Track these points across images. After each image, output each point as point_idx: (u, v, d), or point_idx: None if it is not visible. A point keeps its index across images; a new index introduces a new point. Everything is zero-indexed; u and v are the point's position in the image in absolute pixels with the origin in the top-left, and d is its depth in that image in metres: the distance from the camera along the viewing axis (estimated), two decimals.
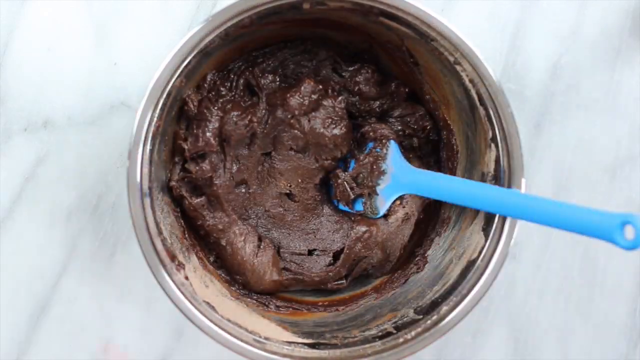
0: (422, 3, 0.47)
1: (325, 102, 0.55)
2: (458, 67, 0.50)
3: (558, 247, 0.61)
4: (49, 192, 0.58)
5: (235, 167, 0.55)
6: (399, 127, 0.57)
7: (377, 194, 0.56)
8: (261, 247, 0.56)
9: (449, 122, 0.56)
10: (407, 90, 0.57)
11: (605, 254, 0.61)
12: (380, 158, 0.56)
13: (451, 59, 0.49)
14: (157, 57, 0.57)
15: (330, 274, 0.56)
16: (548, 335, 0.61)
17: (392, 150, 0.56)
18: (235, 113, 0.54)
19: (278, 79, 0.56)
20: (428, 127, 0.57)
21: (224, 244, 0.55)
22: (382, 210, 0.56)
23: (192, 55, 0.48)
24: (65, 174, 0.58)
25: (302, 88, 0.55)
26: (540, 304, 0.61)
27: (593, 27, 0.61)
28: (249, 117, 0.54)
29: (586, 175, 0.61)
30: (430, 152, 0.58)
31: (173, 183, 0.54)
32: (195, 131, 0.53)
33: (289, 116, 0.55)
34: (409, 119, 0.57)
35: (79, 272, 0.58)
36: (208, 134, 0.53)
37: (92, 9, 0.58)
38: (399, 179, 0.55)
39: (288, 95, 0.55)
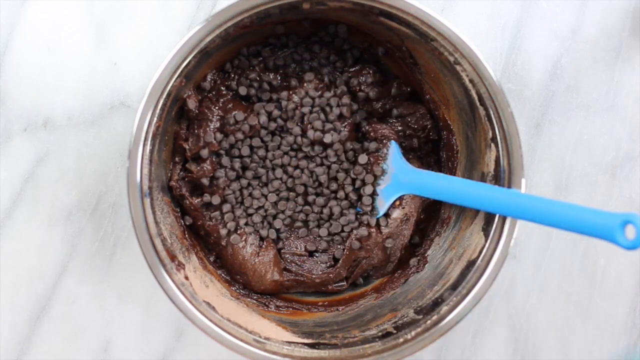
0: (422, 3, 0.47)
1: (331, 102, 0.55)
2: (458, 67, 0.50)
3: (558, 247, 0.61)
4: (49, 192, 0.58)
5: (236, 167, 0.55)
6: (399, 128, 0.57)
7: (377, 194, 0.56)
8: (262, 247, 0.56)
9: (449, 122, 0.56)
10: (408, 89, 0.57)
11: (605, 254, 0.61)
12: (380, 158, 0.56)
13: (451, 59, 0.49)
14: (157, 57, 0.57)
15: (331, 275, 0.56)
16: (548, 335, 0.61)
17: (393, 151, 0.56)
18: (236, 112, 0.54)
19: (279, 78, 0.56)
20: (428, 127, 0.57)
21: (225, 244, 0.55)
22: (382, 211, 0.56)
23: (192, 55, 0.48)
24: (65, 174, 0.58)
25: (305, 84, 0.55)
26: (540, 304, 0.61)
27: (593, 27, 0.61)
28: (251, 116, 0.54)
29: (586, 175, 0.61)
30: (430, 152, 0.58)
31: (173, 183, 0.54)
32: (196, 131, 0.53)
33: (292, 114, 0.55)
34: (409, 119, 0.57)
35: (79, 272, 0.58)
36: (209, 134, 0.53)
37: (92, 9, 0.58)
38: (399, 179, 0.55)
39: (290, 92, 0.55)
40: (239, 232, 0.55)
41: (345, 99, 0.56)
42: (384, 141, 0.56)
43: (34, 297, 0.58)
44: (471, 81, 0.50)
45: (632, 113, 0.61)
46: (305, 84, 0.55)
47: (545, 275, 0.61)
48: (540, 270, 0.61)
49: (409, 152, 0.58)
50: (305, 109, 0.55)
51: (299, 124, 0.55)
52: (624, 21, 0.61)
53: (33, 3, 0.58)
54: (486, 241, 0.50)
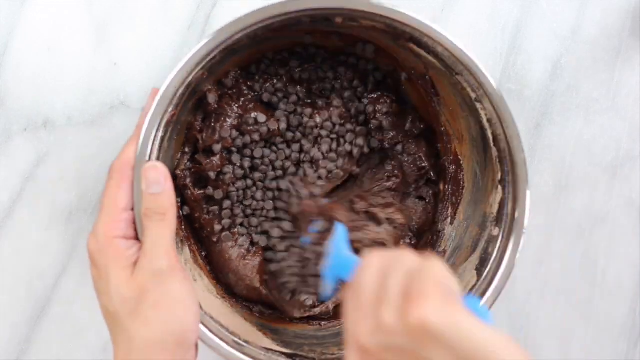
0: (424, 6, 0.47)
1: (347, 137, 0.55)
2: (478, 105, 0.49)
3: (558, 247, 0.61)
4: (49, 192, 0.58)
5: (245, 166, 0.55)
6: (390, 167, 0.57)
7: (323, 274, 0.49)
8: (251, 251, 0.55)
9: (459, 157, 0.55)
10: (422, 126, 0.57)
11: (605, 254, 0.61)
12: (324, 238, 0.51)
13: (473, 95, 0.49)
14: (157, 57, 0.57)
15: (316, 311, 0.56)
16: (548, 335, 0.61)
17: (338, 234, 0.49)
18: (256, 114, 0.54)
19: (305, 91, 0.56)
20: (426, 169, 0.57)
21: (215, 240, 0.55)
22: (326, 293, 0.48)
23: (219, 50, 0.47)
24: (65, 174, 0.58)
25: (332, 110, 0.55)
26: (541, 303, 0.61)
27: (593, 27, 0.61)
28: (271, 120, 0.54)
29: (586, 176, 0.61)
30: (424, 185, 0.58)
31: (178, 172, 0.54)
32: (212, 124, 0.53)
33: (309, 132, 0.55)
34: (406, 159, 0.57)
35: (79, 272, 0.58)
36: (225, 129, 0.53)
37: (92, 9, 0.58)
38: (335, 263, 0.47)
39: (315, 111, 0.55)
40: (232, 231, 0.55)
41: (360, 140, 0.56)
42: (333, 221, 0.52)
43: (34, 297, 0.58)
44: (489, 121, 0.49)
45: (632, 113, 0.61)
46: (331, 109, 0.55)
47: (545, 275, 0.61)
48: (540, 270, 0.61)
49: (395, 190, 0.57)
50: (324, 132, 0.55)
51: (312, 143, 0.55)
52: (624, 21, 0.61)
53: (33, 3, 0.58)
54: (478, 280, 0.50)
